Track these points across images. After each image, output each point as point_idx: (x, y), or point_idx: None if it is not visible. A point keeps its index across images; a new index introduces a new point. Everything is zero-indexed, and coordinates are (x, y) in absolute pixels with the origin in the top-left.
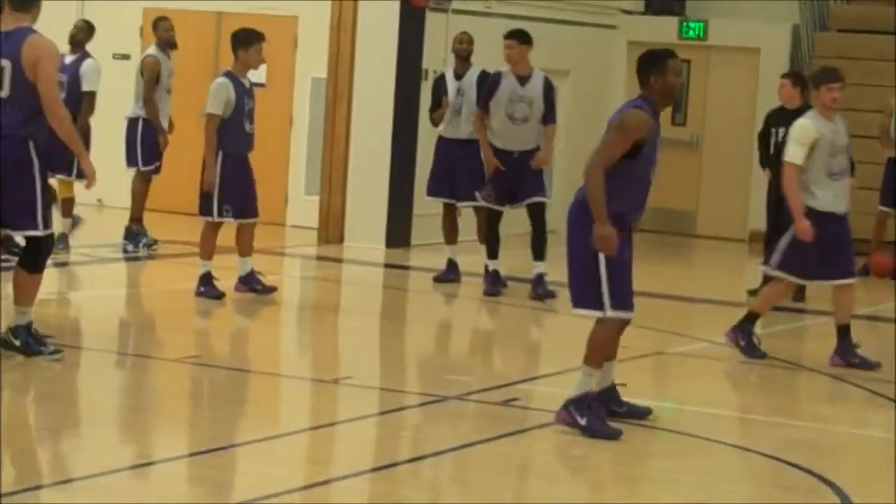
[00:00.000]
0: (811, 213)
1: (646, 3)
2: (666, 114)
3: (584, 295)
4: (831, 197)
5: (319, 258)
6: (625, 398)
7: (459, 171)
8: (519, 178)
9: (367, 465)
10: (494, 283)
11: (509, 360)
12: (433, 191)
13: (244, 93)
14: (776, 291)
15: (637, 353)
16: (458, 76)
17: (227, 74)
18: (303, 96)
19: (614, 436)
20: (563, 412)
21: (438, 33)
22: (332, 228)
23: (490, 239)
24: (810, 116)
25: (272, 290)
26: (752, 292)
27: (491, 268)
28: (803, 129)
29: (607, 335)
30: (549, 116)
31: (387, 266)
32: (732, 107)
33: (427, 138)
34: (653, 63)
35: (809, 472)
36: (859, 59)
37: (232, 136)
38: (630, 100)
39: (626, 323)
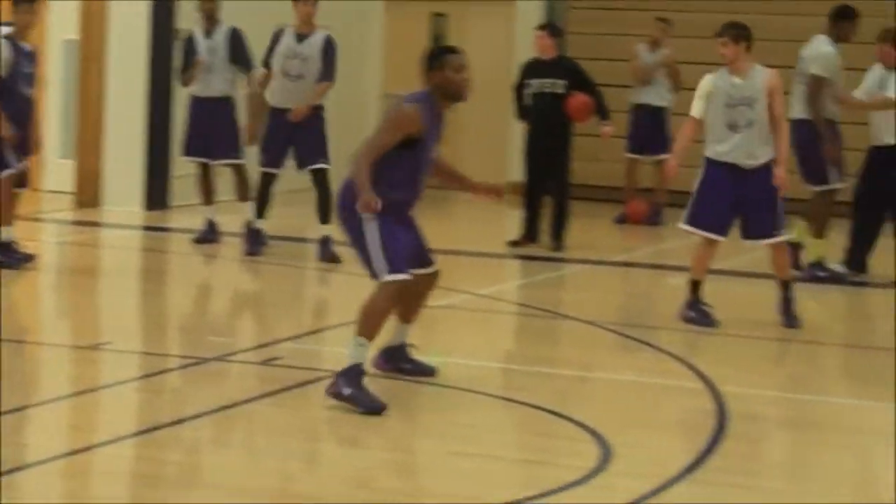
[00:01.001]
0: (711, 164)
1: None
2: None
3: (366, 264)
4: (730, 148)
5: (76, 223)
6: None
7: (213, 130)
8: (296, 138)
9: (129, 429)
10: (255, 244)
11: (270, 320)
12: (188, 150)
13: (23, 55)
14: (699, 250)
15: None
16: (208, 34)
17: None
18: (55, 59)
19: (378, 409)
20: (333, 384)
21: None
22: (88, 192)
23: (261, 199)
24: (717, 70)
25: (30, 258)
26: (513, 243)
27: (254, 226)
28: (700, 83)
29: (380, 302)
30: (323, 74)
31: (145, 228)
32: (490, 59)
33: (182, 99)
34: (431, 59)
35: (569, 419)
36: (615, 9)
37: (8, 98)
38: (415, 91)
39: (402, 287)
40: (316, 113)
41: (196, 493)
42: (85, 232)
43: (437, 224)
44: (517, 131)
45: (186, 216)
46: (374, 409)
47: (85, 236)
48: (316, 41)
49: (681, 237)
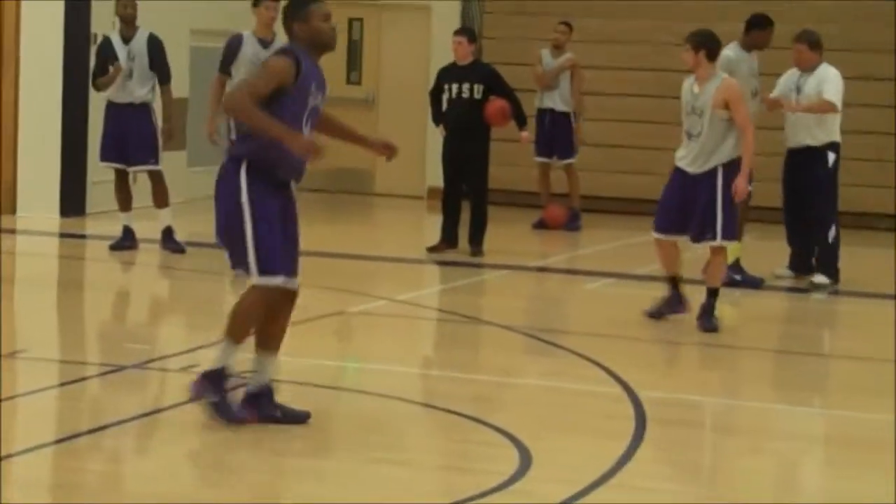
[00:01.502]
0: (674, 168)
1: None
2: (340, 72)
3: (235, 256)
4: (684, 153)
5: None
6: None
7: (131, 136)
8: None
9: (48, 438)
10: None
11: (188, 326)
12: (105, 156)
13: None
14: (655, 248)
15: (318, 314)
16: (126, 40)
17: None
18: None
19: (238, 420)
20: (196, 384)
21: None
22: (3, 198)
23: None
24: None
25: None
26: (431, 249)
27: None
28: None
29: (251, 304)
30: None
31: (62, 235)
32: (407, 64)
33: (99, 104)
34: (294, 10)
35: (488, 424)
36: (527, 13)
37: None
38: (285, 44)
39: (279, 292)
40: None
41: (116, 502)
42: (1, 239)
43: (355, 229)
44: (435, 136)
45: (103, 223)
46: (236, 420)
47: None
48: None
49: (598, 243)
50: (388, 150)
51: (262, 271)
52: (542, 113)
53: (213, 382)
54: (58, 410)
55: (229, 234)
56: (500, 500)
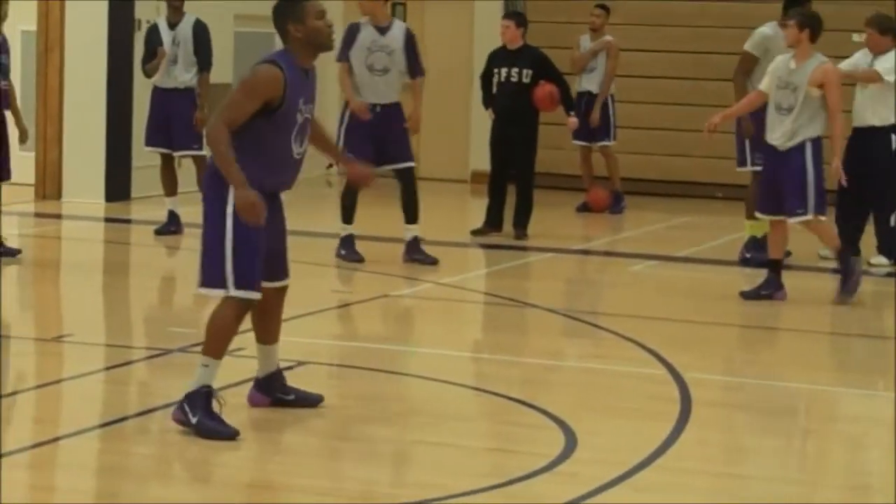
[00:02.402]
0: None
1: None
2: None
3: (208, 271)
4: (771, 130)
5: (37, 215)
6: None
7: (176, 121)
8: (383, 135)
9: (94, 421)
10: (353, 250)
11: None
12: (150, 141)
13: None
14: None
15: (363, 297)
16: (172, 25)
17: None
18: (13, 50)
19: (229, 436)
20: (178, 409)
21: None
22: (49, 184)
23: (347, 202)
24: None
25: (16, 252)
26: (476, 232)
27: (346, 233)
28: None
29: (228, 319)
30: (415, 69)
31: (107, 220)
32: (450, 49)
33: (143, 89)
34: (288, 11)
35: (534, 407)
36: None
37: None
38: (269, 53)
39: (251, 305)
40: (399, 109)
41: (163, 485)
42: (46, 224)
43: (399, 212)
44: (479, 121)
45: (148, 207)
46: (225, 436)
47: (46, 228)
48: (397, 33)
49: (641, 225)
50: (364, 179)
51: (239, 285)
52: (581, 96)
53: (192, 403)
54: (104, 394)
55: (208, 241)
56: (545, 481)
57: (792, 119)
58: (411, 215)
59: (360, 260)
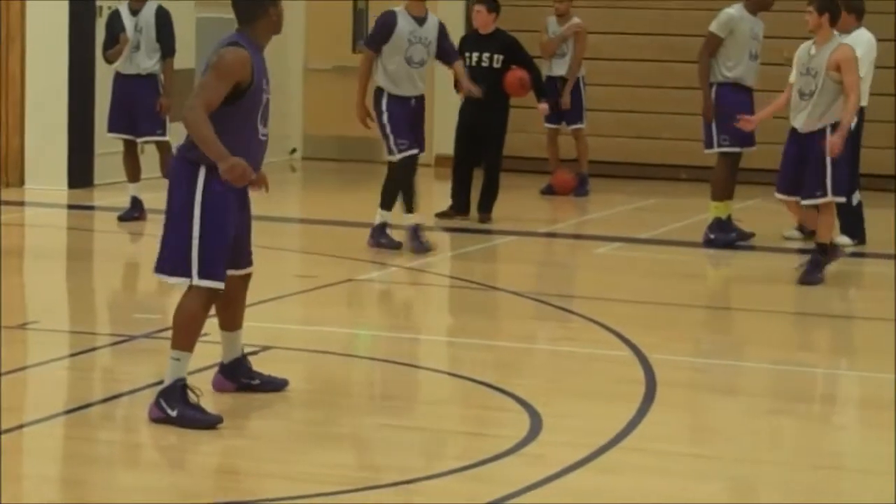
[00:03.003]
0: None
1: None
2: (346, 41)
3: (171, 258)
4: (795, 113)
5: (0, 202)
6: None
7: (139, 107)
8: (419, 125)
9: (59, 408)
10: (419, 239)
11: None
12: (113, 127)
13: None
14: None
15: (327, 282)
16: (134, 12)
17: None
18: None
19: (212, 423)
20: (154, 407)
21: None
22: (11, 171)
23: (409, 188)
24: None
25: None
26: (441, 215)
27: (413, 223)
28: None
29: (196, 309)
30: (453, 55)
31: (70, 207)
32: None
33: (105, 76)
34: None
35: (500, 389)
36: None
37: None
38: (228, 36)
39: (217, 294)
40: (424, 101)
41: (130, 471)
42: (9, 211)
43: (363, 196)
44: (442, 105)
45: (111, 194)
46: (208, 423)
47: (9, 216)
48: (432, 24)
49: (606, 208)
50: (259, 185)
51: (205, 274)
52: (552, 80)
53: (168, 399)
54: (69, 381)
55: (172, 230)
56: (512, 463)
57: (813, 104)
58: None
59: (398, 246)
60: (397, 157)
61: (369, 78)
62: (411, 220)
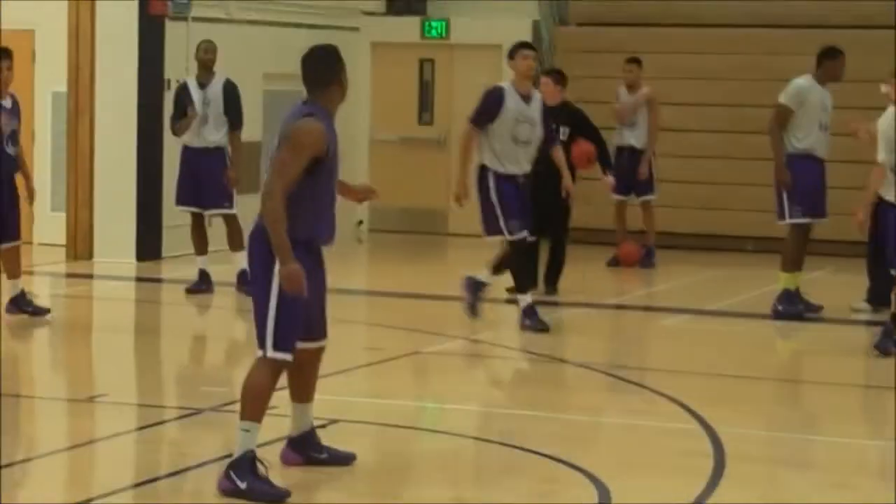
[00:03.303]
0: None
1: (387, 3)
2: (412, 113)
3: (258, 333)
4: (888, 190)
5: (69, 275)
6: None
7: (206, 179)
8: (527, 203)
9: (128, 481)
10: (533, 318)
11: None
12: (181, 200)
13: (3, 113)
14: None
15: (394, 354)
16: (202, 85)
17: None
18: (44, 111)
19: (281, 497)
20: (224, 479)
21: (179, 42)
22: (80, 244)
23: (525, 271)
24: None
25: (45, 311)
26: (511, 290)
27: (526, 303)
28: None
29: (265, 381)
30: (553, 139)
31: (138, 280)
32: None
33: (173, 148)
34: (340, 61)
35: (567, 463)
36: (599, 52)
37: None
38: (299, 106)
39: (286, 366)
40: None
41: None
42: (78, 284)
43: (430, 268)
44: None
45: (179, 266)
46: (277, 497)
47: (78, 289)
48: (536, 103)
49: (673, 279)
50: (369, 194)
51: (277, 347)
52: (621, 150)
53: (241, 471)
54: (137, 454)
55: (255, 301)
56: None
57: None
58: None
59: (546, 329)
60: (508, 238)
61: (472, 154)
62: (526, 300)
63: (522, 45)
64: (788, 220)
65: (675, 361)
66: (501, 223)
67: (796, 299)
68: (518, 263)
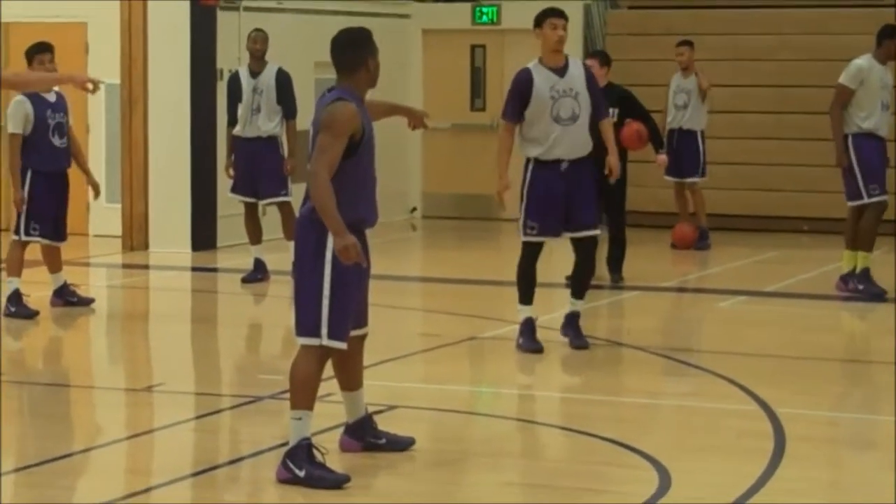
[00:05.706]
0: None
1: None
2: (464, 99)
3: (303, 320)
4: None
5: (125, 266)
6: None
7: (259, 169)
8: (573, 196)
9: (186, 470)
10: (530, 338)
11: None
12: (236, 188)
13: (47, 107)
14: None
15: (450, 340)
16: (254, 74)
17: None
18: (97, 103)
19: (339, 482)
20: (282, 468)
21: (230, 31)
22: (136, 235)
23: (526, 279)
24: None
25: (89, 301)
26: (569, 278)
27: (523, 316)
28: None
29: (312, 368)
30: (599, 108)
31: (194, 269)
32: None
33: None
34: (370, 43)
35: (627, 446)
36: (650, 34)
37: (39, 152)
38: (331, 91)
39: (332, 353)
40: (591, 165)
41: None
42: (134, 275)
43: (486, 254)
44: None
45: (234, 255)
46: (337, 483)
47: (134, 279)
48: (575, 71)
49: (727, 261)
50: (421, 118)
51: (331, 335)
52: (671, 132)
53: (294, 459)
54: (196, 442)
55: (303, 288)
56: None
57: None
58: (579, 288)
59: (540, 351)
60: (521, 238)
61: (510, 152)
62: (525, 312)
63: (551, 13)
64: (867, 200)
65: (732, 343)
66: (520, 221)
67: (862, 278)
68: (521, 268)
